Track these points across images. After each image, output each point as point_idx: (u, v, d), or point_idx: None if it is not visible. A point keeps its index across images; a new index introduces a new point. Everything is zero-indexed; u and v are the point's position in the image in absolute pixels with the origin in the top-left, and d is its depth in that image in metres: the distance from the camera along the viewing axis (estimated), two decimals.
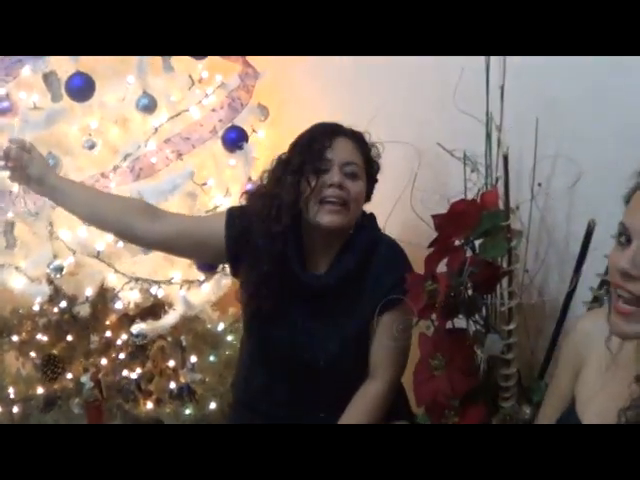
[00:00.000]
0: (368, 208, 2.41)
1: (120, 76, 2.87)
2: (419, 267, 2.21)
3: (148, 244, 2.51)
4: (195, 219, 2.60)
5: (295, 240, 2.28)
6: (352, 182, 2.24)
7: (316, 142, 2.25)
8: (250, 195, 2.39)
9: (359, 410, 2.32)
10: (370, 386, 2.35)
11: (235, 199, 2.95)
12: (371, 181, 2.36)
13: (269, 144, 3.11)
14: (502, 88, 2.21)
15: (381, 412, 2.35)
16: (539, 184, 2.24)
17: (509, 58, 2.16)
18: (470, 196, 2.30)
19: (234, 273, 2.44)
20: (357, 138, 2.31)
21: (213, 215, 2.72)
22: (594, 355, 1.78)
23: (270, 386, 2.41)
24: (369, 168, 2.32)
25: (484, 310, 2.26)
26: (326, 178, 2.21)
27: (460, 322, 2.27)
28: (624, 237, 1.55)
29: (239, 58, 3.00)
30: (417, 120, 2.67)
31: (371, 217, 2.40)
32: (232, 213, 2.35)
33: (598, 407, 1.71)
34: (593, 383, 1.77)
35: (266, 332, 2.35)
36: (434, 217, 2.14)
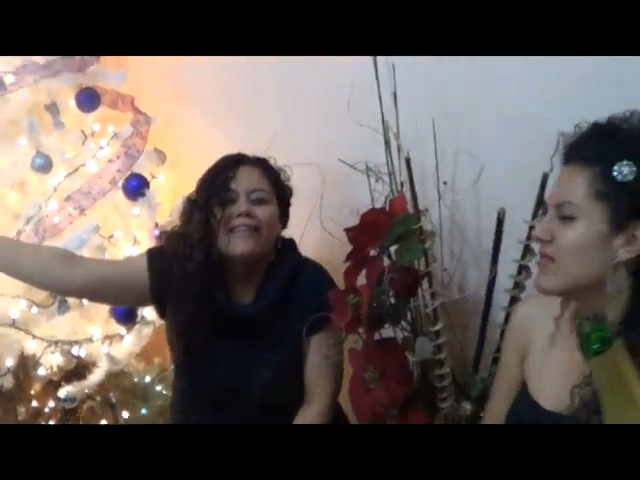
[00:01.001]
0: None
1: (10, 139, 2.81)
2: (341, 284, 2.20)
3: (70, 292, 2.43)
4: (116, 263, 2.53)
5: (217, 275, 2.23)
6: (260, 208, 2.20)
7: (220, 175, 2.21)
8: (166, 236, 2.33)
9: None
10: (307, 410, 2.31)
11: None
12: (284, 206, 2.32)
13: (171, 187, 3.06)
14: (394, 95, 2.22)
15: None
16: (444, 183, 2.25)
17: (397, 64, 2.17)
18: (378, 206, 2.28)
19: (161, 315, 2.37)
20: (262, 164, 2.28)
21: (133, 258, 2.63)
22: (538, 337, 1.82)
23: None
24: (279, 192, 2.29)
25: (409, 315, 2.24)
26: (233, 209, 2.17)
27: (388, 331, 2.26)
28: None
29: (129, 106, 2.96)
30: (317, 139, 2.66)
31: (291, 242, 2.37)
32: (152, 254, 2.30)
33: (553, 388, 1.73)
34: (542, 364, 1.79)
35: (198, 372, 2.29)
36: (347, 230, 2.12)
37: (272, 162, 2.31)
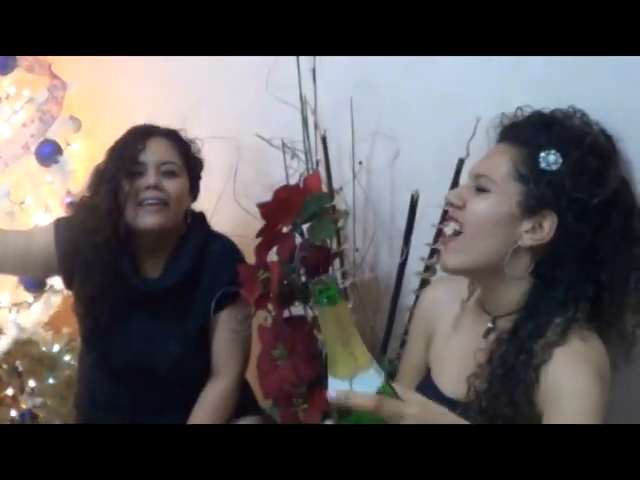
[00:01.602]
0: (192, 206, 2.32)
1: None
2: (252, 260, 2.16)
3: None
4: (21, 234, 2.39)
5: (126, 248, 2.18)
6: (170, 181, 2.14)
7: (128, 146, 2.15)
8: (74, 206, 2.28)
9: (206, 409, 2.27)
10: (215, 384, 2.30)
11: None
12: (194, 179, 2.27)
13: (86, 155, 2.97)
14: (314, 71, 2.18)
15: (228, 409, 2.30)
16: (360, 162, 2.23)
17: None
18: (293, 183, 2.24)
19: (68, 287, 2.31)
20: (173, 136, 2.22)
21: (40, 228, 2.52)
22: (444, 321, 1.82)
23: (115, 397, 2.30)
24: (189, 165, 2.23)
25: None
26: (142, 181, 2.11)
27: (298, 309, 2.23)
28: None
29: (46, 71, 2.86)
30: (235, 113, 2.59)
31: (201, 216, 2.32)
32: (60, 225, 2.23)
33: (452, 375, 1.73)
34: (444, 349, 1.79)
35: (105, 345, 2.25)
36: (259, 206, 2.08)
37: (183, 134, 2.26)
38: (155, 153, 2.15)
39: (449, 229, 1.65)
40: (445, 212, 2.03)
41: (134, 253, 2.21)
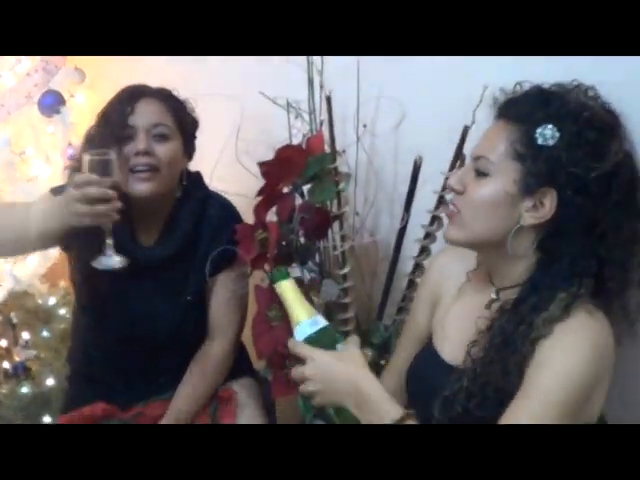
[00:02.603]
0: (192, 164, 2.26)
1: None
2: (252, 220, 2.12)
3: None
4: (20, 209, 2.20)
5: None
6: (162, 145, 2.06)
7: (117, 109, 2.06)
8: (68, 173, 2.16)
9: (201, 371, 2.23)
10: (211, 346, 2.26)
11: (56, 167, 2.80)
12: (189, 139, 2.19)
13: (89, 108, 2.93)
14: None
15: (223, 371, 2.27)
16: (364, 125, 2.19)
17: None
18: (296, 143, 2.20)
19: (64, 249, 2.25)
20: (164, 96, 2.13)
21: (37, 201, 2.25)
22: (450, 289, 1.80)
23: (110, 358, 2.26)
24: (183, 126, 2.15)
25: (317, 257, 2.19)
26: (131, 146, 2.03)
27: (295, 271, 2.19)
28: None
29: None
30: (239, 71, 2.54)
31: (197, 176, 2.25)
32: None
33: (453, 341, 1.72)
34: (446, 316, 1.78)
35: (103, 313, 2.20)
36: (260, 164, 2.04)
37: (175, 93, 2.17)
38: (145, 116, 2.06)
39: (454, 199, 1.63)
40: (447, 178, 2.01)
41: (129, 220, 2.13)
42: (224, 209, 2.23)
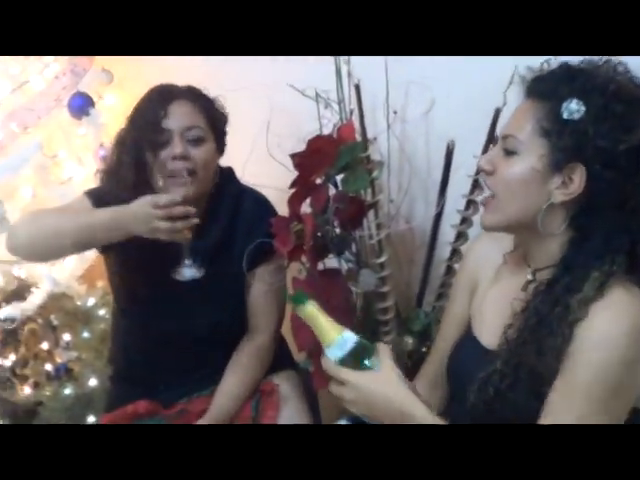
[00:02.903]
0: (224, 159, 2.23)
1: None
2: (286, 213, 2.10)
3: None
4: (56, 214, 2.13)
5: None
6: (197, 148, 2.04)
7: (150, 112, 2.03)
8: (102, 174, 2.16)
9: (242, 366, 2.21)
10: (251, 341, 2.24)
11: (88, 168, 2.80)
12: (221, 136, 2.16)
13: (119, 109, 2.93)
14: None
15: (264, 366, 2.25)
16: (394, 112, 2.17)
17: None
18: (326, 134, 2.19)
19: (102, 252, 2.23)
20: (195, 96, 2.11)
21: (73, 205, 2.22)
22: (487, 274, 1.79)
23: (150, 358, 2.25)
24: (215, 125, 2.13)
25: (354, 246, 2.17)
26: (167, 151, 2.01)
27: (331, 262, 2.19)
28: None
29: None
30: (266, 65, 2.48)
31: (229, 172, 2.24)
32: (92, 197, 2.11)
33: (490, 325, 1.70)
34: (484, 300, 1.77)
35: (143, 315, 2.19)
36: (292, 156, 2.03)
37: (205, 91, 2.14)
38: (179, 119, 2.03)
39: (486, 179, 1.61)
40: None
41: None
42: (259, 203, 2.21)
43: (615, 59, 1.54)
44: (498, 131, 1.95)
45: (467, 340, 1.77)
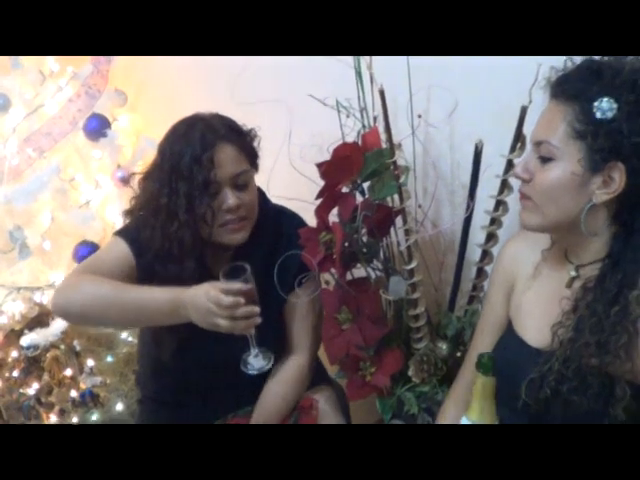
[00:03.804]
0: None
1: None
2: (310, 223, 2.11)
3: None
4: (112, 288, 2.00)
5: (198, 259, 2.02)
6: (245, 193, 2.00)
7: (196, 164, 1.94)
8: (134, 211, 2.11)
9: (282, 385, 2.17)
10: (291, 362, 2.19)
11: (106, 191, 2.81)
12: (257, 166, 2.11)
13: (132, 129, 2.93)
14: None
15: (304, 386, 2.21)
16: (419, 116, 2.14)
17: None
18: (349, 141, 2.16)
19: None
20: (236, 135, 2.03)
21: (108, 251, 2.17)
22: (523, 272, 1.78)
23: (184, 381, 2.19)
24: (254, 159, 2.08)
25: (382, 254, 2.14)
26: (219, 202, 1.96)
27: (359, 272, 2.17)
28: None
29: None
30: (285, 75, 2.50)
31: (262, 194, 2.17)
32: (127, 238, 2.06)
33: (535, 324, 1.70)
34: (525, 298, 1.76)
35: (182, 349, 2.08)
36: (318, 165, 2.00)
37: (240, 125, 2.07)
38: (226, 168, 1.97)
39: (522, 187, 1.62)
40: (509, 162, 1.97)
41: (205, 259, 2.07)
42: (294, 223, 2.17)
43: None
44: (525, 130, 1.93)
45: (511, 339, 1.75)
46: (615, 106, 1.46)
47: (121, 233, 2.10)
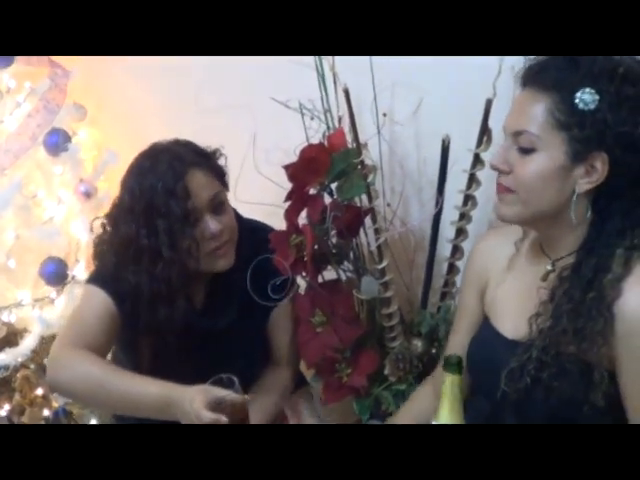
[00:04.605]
0: None
1: None
2: (279, 227, 2.08)
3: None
4: (102, 371, 1.90)
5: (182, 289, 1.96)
6: (223, 215, 1.96)
7: (171, 197, 1.87)
8: (101, 248, 2.03)
9: (267, 396, 2.12)
10: (280, 373, 2.19)
11: (69, 207, 2.77)
12: (227, 183, 2.06)
13: (92, 144, 2.88)
14: None
15: (286, 398, 2.19)
16: (384, 114, 2.13)
17: None
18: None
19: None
20: (203, 161, 1.98)
21: (88, 307, 2.04)
22: (496, 266, 1.78)
23: None
24: (224, 178, 2.03)
25: (352, 254, 2.13)
26: (201, 230, 1.91)
27: (328, 274, 2.15)
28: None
29: (44, 60, 2.76)
30: (247, 78, 2.44)
31: (234, 211, 2.10)
32: (106, 286, 1.96)
33: (512, 316, 1.69)
34: (500, 290, 1.75)
35: (156, 370, 1.96)
36: (286, 167, 1.98)
37: (204, 149, 2.02)
38: (201, 194, 1.91)
39: (501, 179, 1.59)
40: (476, 156, 1.96)
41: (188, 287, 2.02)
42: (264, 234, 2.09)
43: None
44: (490, 123, 1.93)
45: (488, 333, 1.74)
46: (597, 97, 1.46)
47: (96, 281, 2.01)
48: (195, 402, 1.67)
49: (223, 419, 1.64)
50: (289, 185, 2.03)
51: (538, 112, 1.51)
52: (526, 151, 1.53)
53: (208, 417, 1.64)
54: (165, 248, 1.89)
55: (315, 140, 2.15)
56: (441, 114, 2.12)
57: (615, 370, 1.51)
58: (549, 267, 1.63)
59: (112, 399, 1.85)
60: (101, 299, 1.96)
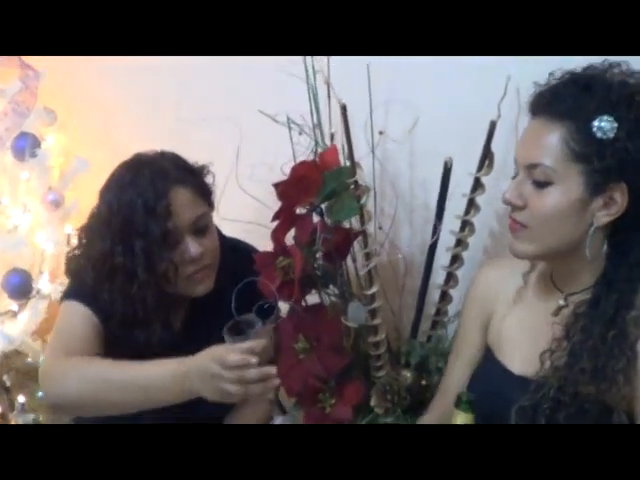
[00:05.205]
0: None
1: None
2: (261, 247, 1.98)
3: None
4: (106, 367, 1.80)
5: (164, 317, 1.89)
6: (206, 238, 1.86)
7: (151, 215, 1.77)
8: (88, 277, 1.88)
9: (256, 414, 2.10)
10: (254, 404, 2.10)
11: (35, 215, 2.65)
12: (213, 202, 1.97)
13: (61, 150, 2.74)
14: None
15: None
16: (380, 132, 2.02)
17: None
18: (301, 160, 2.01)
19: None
20: (187, 173, 1.88)
21: (69, 322, 1.93)
22: (502, 298, 1.71)
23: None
24: (209, 198, 1.93)
25: (339, 278, 2.01)
26: (180, 253, 1.81)
27: (312, 298, 2.03)
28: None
29: (14, 61, 2.62)
30: (232, 89, 2.33)
31: (220, 236, 2.01)
32: (86, 300, 1.87)
33: (522, 352, 1.62)
34: (505, 326, 1.68)
35: None
36: (276, 185, 1.86)
37: (190, 164, 1.93)
38: (183, 214, 1.81)
39: (515, 214, 1.51)
40: (477, 180, 1.87)
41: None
42: (244, 256, 1.99)
43: (612, 59, 1.47)
44: (494, 145, 1.83)
45: (493, 368, 1.67)
46: (615, 125, 1.38)
47: (76, 296, 1.90)
48: (216, 351, 1.57)
49: (251, 360, 1.54)
50: (273, 202, 1.91)
51: (552, 143, 1.43)
52: (541, 185, 1.45)
53: (233, 359, 1.53)
54: (141, 269, 1.78)
55: (304, 156, 2.03)
56: (438, 135, 2.02)
57: (635, 412, 1.45)
58: (562, 302, 1.56)
59: (119, 391, 1.70)
60: (83, 312, 1.86)
